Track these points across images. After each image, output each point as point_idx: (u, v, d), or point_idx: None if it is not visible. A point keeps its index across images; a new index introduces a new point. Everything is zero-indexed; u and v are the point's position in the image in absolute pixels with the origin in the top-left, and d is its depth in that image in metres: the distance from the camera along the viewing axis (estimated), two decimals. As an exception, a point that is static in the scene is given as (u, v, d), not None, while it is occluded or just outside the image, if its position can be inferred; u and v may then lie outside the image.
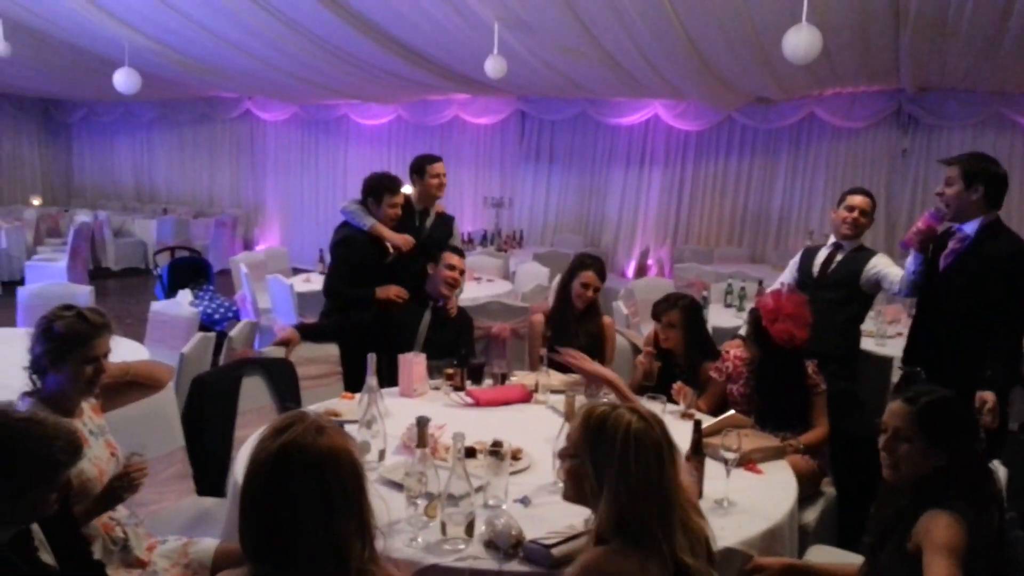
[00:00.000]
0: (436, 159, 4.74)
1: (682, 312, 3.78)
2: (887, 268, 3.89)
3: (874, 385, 4.42)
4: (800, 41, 5.08)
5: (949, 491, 1.94)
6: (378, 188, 4.38)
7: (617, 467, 1.69)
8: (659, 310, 3.84)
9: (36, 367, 2.34)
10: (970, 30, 5.98)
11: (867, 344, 4.72)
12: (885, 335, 4.88)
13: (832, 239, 4.13)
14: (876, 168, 9.37)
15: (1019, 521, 2.21)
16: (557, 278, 6.97)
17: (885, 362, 4.59)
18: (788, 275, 4.31)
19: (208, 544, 2.37)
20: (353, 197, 4.59)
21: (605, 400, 3.02)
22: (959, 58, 7.03)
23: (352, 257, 4.34)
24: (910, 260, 3.64)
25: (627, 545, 1.67)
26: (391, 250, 4.40)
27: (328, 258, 4.84)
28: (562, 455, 1.88)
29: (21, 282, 8.50)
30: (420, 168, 4.70)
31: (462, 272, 4.27)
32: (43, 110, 15.30)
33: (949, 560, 1.80)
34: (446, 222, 4.84)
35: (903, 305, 5.65)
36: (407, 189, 4.67)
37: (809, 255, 4.20)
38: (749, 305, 5.93)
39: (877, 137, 9.37)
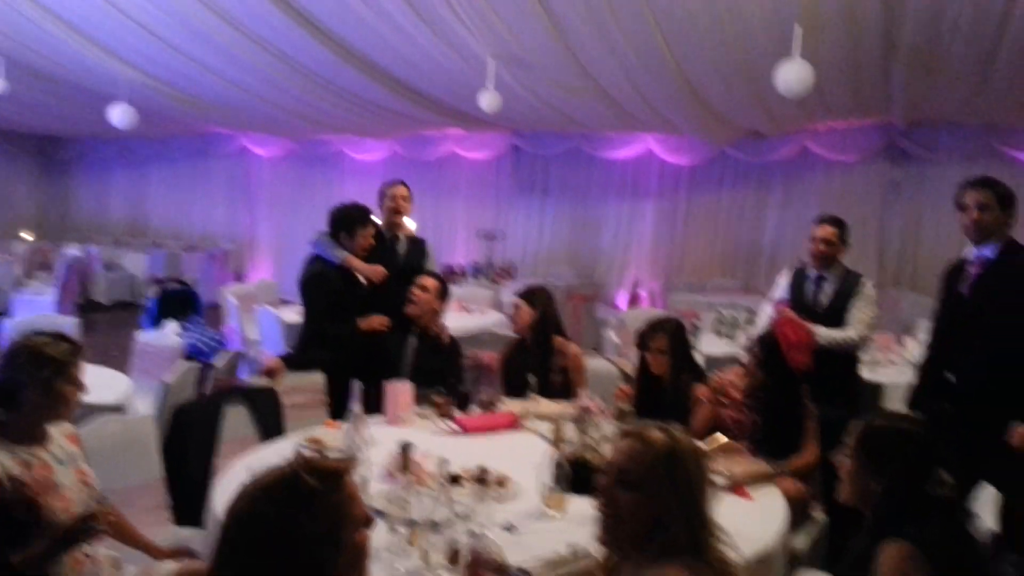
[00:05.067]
0: (394, 183, 4.78)
1: (669, 337, 3.77)
2: (855, 312, 4.06)
3: (863, 411, 4.38)
4: (792, 75, 5.11)
5: (898, 519, 1.92)
6: (351, 221, 4.33)
7: (695, 485, 1.71)
8: (645, 338, 3.80)
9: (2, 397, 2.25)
10: (961, 63, 6.03)
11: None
12: (877, 363, 4.86)
13: (812, 272, 4.24)
14: (868, 201, 9.40)
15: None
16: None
17: (875, 389, 4.56)
18: (779, 294, 4.34)
19: (167, 570, 2.29)
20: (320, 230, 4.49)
21: (598, 437, 2.99)
22: (950, 91, 7.08)
23: (326, 295, 4.26)
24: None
25: (697, 561, 1.67)
26: (364, 282, 4.35)
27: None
28: (610, 492, 1.75)
29: (7, 315, 8.44)
30: (380, 193, 4.76)
31: (442, 296, 4.21)
32: (40, 147, 15.33)
33: None
34: (419, 246, 4.82)
35: (894, 335, 5.65)
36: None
37: (799, 281, 4.23)
38: (740, 334, 5.93)
39: (869, 171, 9.42)
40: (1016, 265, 3.21)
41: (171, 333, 5.09)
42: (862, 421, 2.13)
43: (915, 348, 5.26)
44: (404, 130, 11.37)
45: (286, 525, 1.40)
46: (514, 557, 2.05)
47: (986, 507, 2.42)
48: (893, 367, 4.98)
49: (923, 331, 5.81)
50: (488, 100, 6.77)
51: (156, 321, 6.67)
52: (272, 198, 13.57)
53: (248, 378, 3.99)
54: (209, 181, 14.13)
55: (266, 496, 1.44)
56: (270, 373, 3.78)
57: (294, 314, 6.52)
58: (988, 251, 3.28)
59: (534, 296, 4.19)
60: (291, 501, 1.42)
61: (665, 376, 3.77)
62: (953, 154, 8.82)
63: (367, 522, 1.54)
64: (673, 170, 10.61)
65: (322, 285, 4.26)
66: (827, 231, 4.14)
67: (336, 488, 1.47)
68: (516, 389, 3.91)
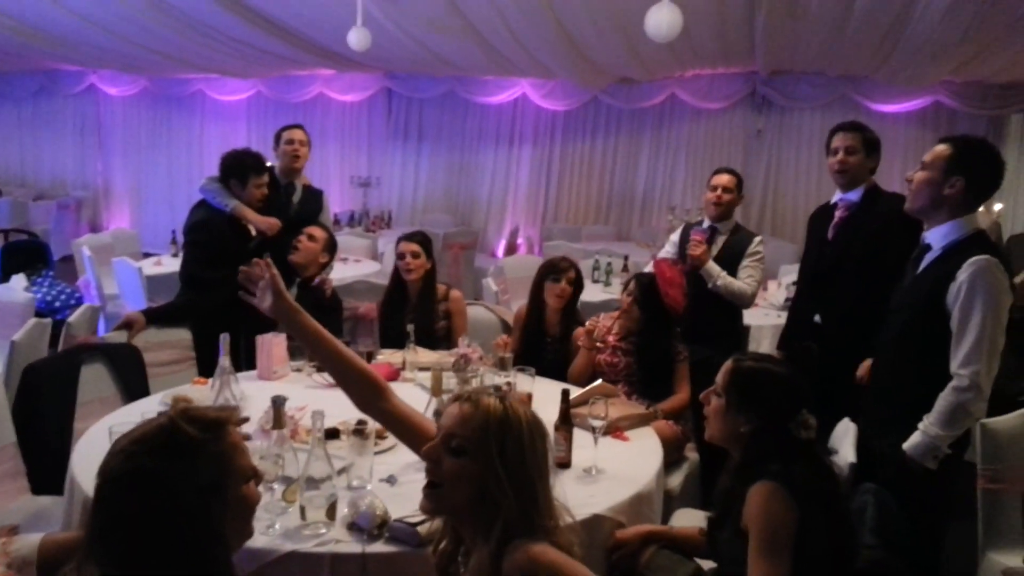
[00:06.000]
0: (291, 126, 4.60)
1: (577, 273, 3.86)
2: (748, 270, 4.06)
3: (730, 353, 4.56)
4: (662, 19, 5.14)
5: (765, 459, 1.97)
6: (242, 168, 4.06)
7: (527, 460, 1.58)
8: (556, 267, 3.82)
9: None
10: (819, 13, 6.26)
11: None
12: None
13: (706, 221, 4.22)
14: (733, 148, 9.75)
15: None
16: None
17: (743, 330, 4.75)
18: (670, 250, 4.39)
19: (31, 540, 2.14)
20: (211, 174, 4.24)
21: (478, 384, 2.99)
22: (809, 41, 7.37)
23: (210, 242, 4.00)
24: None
25: (543, 536, 1.55)
26: (254, 233, 4.15)
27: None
28: (436, 456, 1.62)
29: None
30: (276, 137, 4.57)
31: (330, 248, 4.08)
32: None
33: (765, 545, 1.87)
34: (315, 196, 4.64)
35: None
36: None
37: (689, 233, 4.28)
38: (616, 280, 6.07)
39: (734, 118, 9.75)
40: (877, 209, 3.34)
41: (18, 288, 4.71)
42: (729, 361, 2.16)
43: (778, 291, 5.51)
44: (269, 69, 10.85)
45: (167, 479, 1.32)
46: (396, 509, 2.03)
47: (846, 438, 2.57)
48: (758, 309, 5.19)
49: (784, 275, 6.11)
50: (357, 37, 6.52)
51: (2, 277, 6.18)
52: (126, 141, 12.72)
53: (106, 334, 3.74)
54: (56, 123, 13.05)
55: (143, 450, 1.35)
56: (127, 326, 3.56)
57: (153, 266, 6.21)
58: (853, 195, 3.40)
59: (429, 246, 4.09)
60: (171, 453, 1.34)
61: (552, 321, 3.82)
62: (812, 102, 9.25)
63: (254, 475, 1.47)
64: (548, 115, 10.64)
65: (207, 231, 4.01)
66: (725, 179, 4.16)
67: (218, 438, 1.40)
68: (396, 339, 3.85)
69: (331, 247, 4.10)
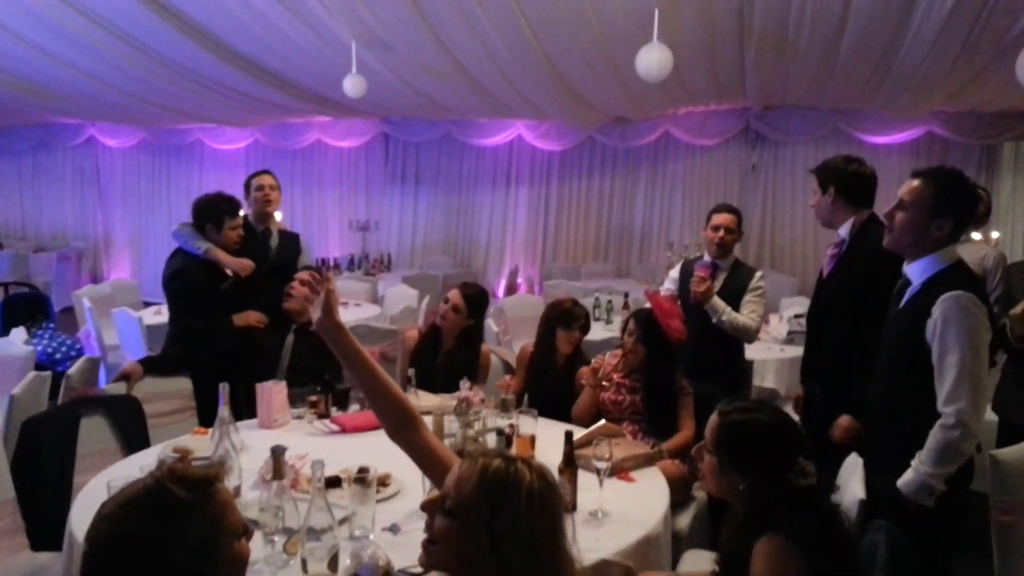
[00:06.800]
0: (259, 173, 4.62)
1: (585, 320, 3.87)
2: (751, 305, 4.03)
3: (737, 389, 4.53)
4: (652, 59, 5.22)
5: (768, 512, 1.90)
6: (217, 212, 4.10)
7: (520, 534, 1.42)
8: (569, 316, 3.83)
9: None
10: (808, 48, 6.34)
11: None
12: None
13: (707, 256, 4.20)
14: (728, 183, 9.81)
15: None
16: (426, 299, 6.96)
17: (746, 365, 4.72)
18: (670, 286, 4.37)
19: None
20: (183, 220, 4.26)
21: (480, 427, 2.96)
22: (799, 76, 7.45)
23: (188, 290, 4.03)
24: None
25: None
26: (229, 274, 4.16)
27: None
28: (433, 509, 1.53)
29: None
30: (246, 185, 4.59)
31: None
32: None
33: None
34: (292, 240, 4.66)
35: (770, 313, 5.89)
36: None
37: (689, 273, 4.25)
38: (617, 318, 6.05)
39: (728, 154, 9.82)
40: (865, 245, 3.21)
41: (18, 341, 4.70)
42: (715, 415, 2.06)
43: (780, 325, 5.49)
44: (267, 118, 10.97)
45: (156, 543, 1.29)
46: (399, 559, 1.99)
47: (854, 474, 2.53)
48: (760, 343, 5.16)
49: (785, 308, 6.10)
50: (352, 84, 6.61)
51: (2, 330, 6.15)
52: (126, 192, 12.82)
53: (105, 386, 3.72)
54: (55, 175, 13.18)
55: (130, 514, 1.32)
56: (125, 377, 3.55)
57: (154, 315, 6.20)
58: (842, 231, 3.31)
59: (477, 306, 4.01)
60: (158, 516, 1.31)
61: (560, 363, 3.80)
62: (805, 136, 9.34)
63: (244, 532, 1.44)
64: (543, 156, 10.73)
65: (183, 280, 4.03)
66: (726, 219, 4.13)
67: (206, 497, 1.36)
68: (425, 380, 3.75)
69: None
